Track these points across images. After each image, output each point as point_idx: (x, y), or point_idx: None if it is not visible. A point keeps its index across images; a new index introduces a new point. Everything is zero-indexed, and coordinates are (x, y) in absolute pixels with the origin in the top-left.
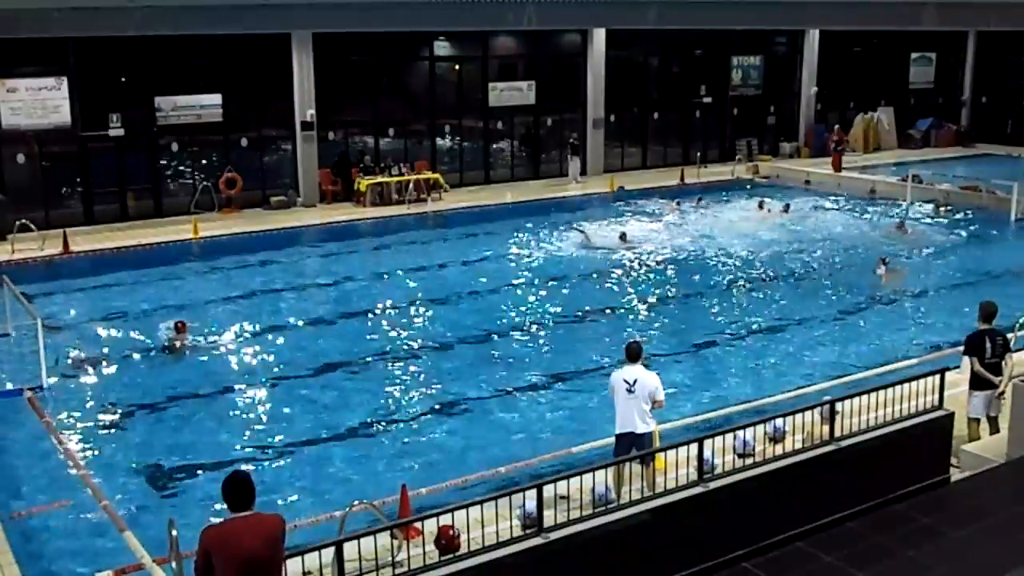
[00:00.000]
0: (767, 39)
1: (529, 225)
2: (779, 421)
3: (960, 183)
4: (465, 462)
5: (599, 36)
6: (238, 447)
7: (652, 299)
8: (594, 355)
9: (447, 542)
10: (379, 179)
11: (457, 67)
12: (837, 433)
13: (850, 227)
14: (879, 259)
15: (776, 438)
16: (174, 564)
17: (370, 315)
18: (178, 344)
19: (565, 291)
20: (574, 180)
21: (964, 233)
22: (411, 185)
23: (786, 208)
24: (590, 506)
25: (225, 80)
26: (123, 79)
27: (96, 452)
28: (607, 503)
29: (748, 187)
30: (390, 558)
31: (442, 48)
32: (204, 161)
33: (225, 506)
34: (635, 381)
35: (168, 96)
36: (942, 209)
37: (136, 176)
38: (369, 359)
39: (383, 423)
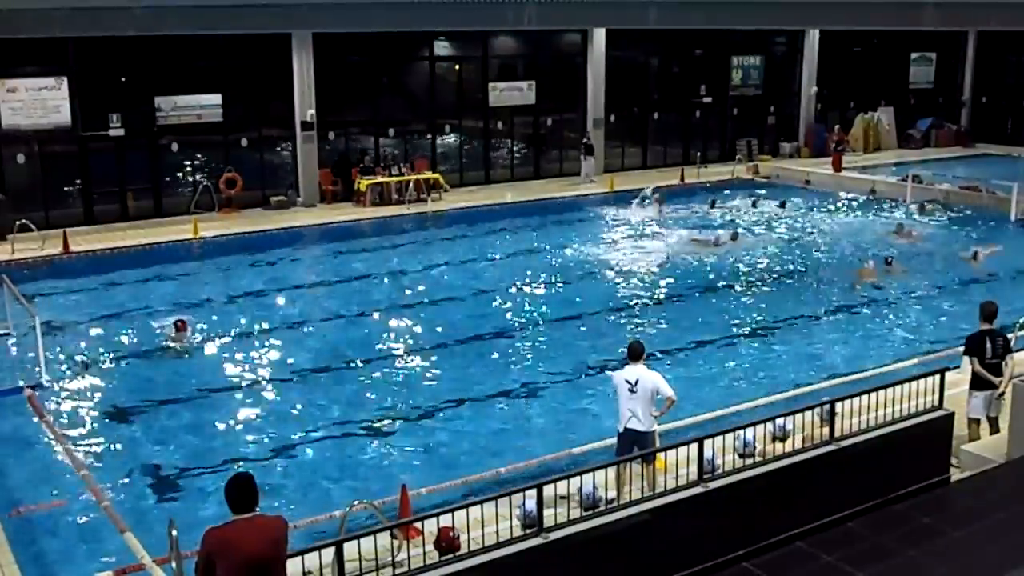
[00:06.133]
0: (767, 39)
1: (529, 224)
2: (780, 421)
3: (960, 183)
4: (465, 462)
5: (599, 36)
6: (238, 447)
7: (659, 296)
8: (593, 355)
9: (447, 544)
10: (379, 179)
11: (457, 67)
12: (837, 433)
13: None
14: (884, 258)
15: (778, 436)
16: (174, 564)
17: (370, 315)
18: (178, 343)
19: (566, 290)
20: (588, 180)
21: (964, 233)
22: (411, 185)
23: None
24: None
25: (225, 80)
26: (123, 79)
27: (96, 451)
28: (595, 503)
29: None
30: (390, 558)
31: (442, 48)
32: (204, 161)
33: (227, 507)
34: (636, 381)
35: (168, 96)
36: (928, 206)
37: (136, 176)
38: (369, 359)
39: (383, 423)
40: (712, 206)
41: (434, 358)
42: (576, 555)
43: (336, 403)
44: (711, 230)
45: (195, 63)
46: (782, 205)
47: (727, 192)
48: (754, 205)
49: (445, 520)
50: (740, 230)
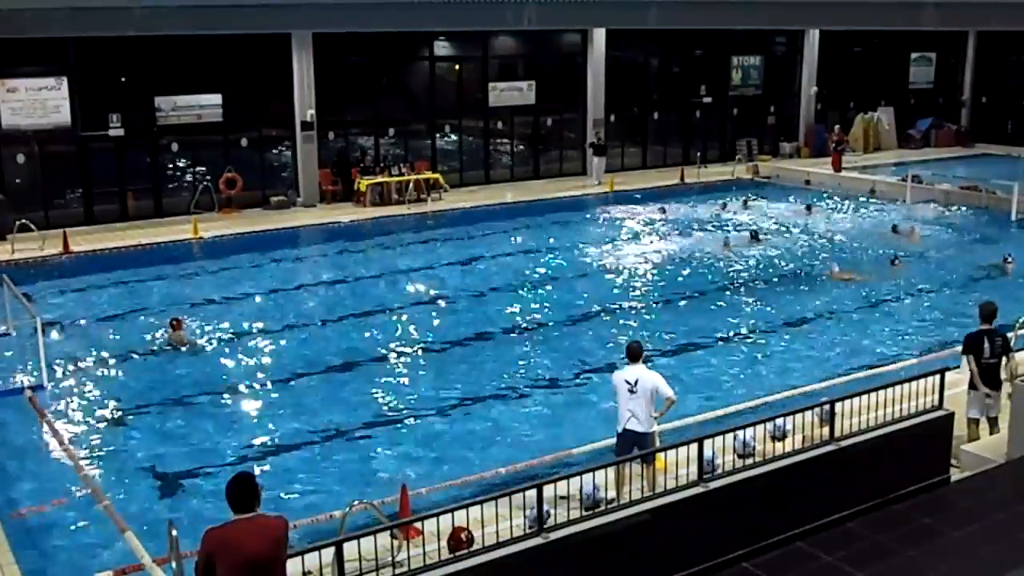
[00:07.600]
0: (767, 39)
1: (530, 224)
2: (780, 421)
3: (960, 183)
4: (466, 462)
5: (599, 36)
6: (239, 446)
7: (661, 298)
8: (592, 355)
9: (456, 544)
10: (379, 179)
11: (457, 67)
12: (837, 433)
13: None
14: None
15: (777, 436)
16: (174, 564)
17: (370, 315)
18: (176, 342)
19: (567, 291)
20: (597, 180)
21: (963, 233)
22: (411, 185)
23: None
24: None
25: (225, 80)
26: (123, 79)
27: (96, 451)
28: (595, 502)
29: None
30: (390, 558)
31: (442, 48)
32: (204, 161)
33: (227, 506)
34: (636, 381)
35: (168, 96)
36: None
37: (136, 176)
38: (369, 359)
39: (383, 423)
40: (724, 208)
41: (435, 358)
42: (576, 555)
43: (336, 402)
44: (723, 231)
45: (195, 63)
46: (808, 209)
47: (733, 192)
48: (745, 205)
49: (445, 519)
50: (756, 230)
